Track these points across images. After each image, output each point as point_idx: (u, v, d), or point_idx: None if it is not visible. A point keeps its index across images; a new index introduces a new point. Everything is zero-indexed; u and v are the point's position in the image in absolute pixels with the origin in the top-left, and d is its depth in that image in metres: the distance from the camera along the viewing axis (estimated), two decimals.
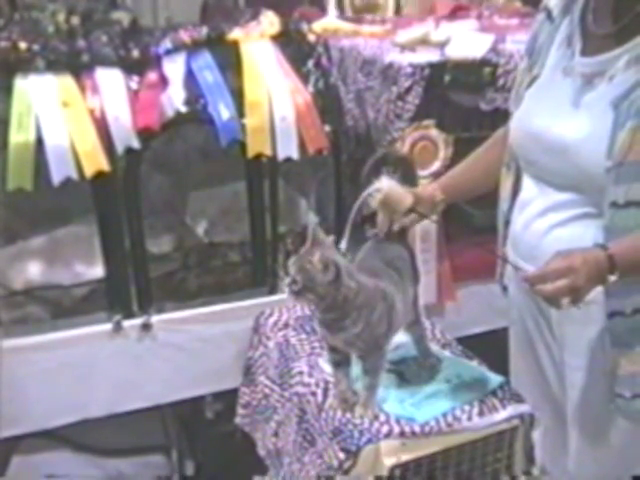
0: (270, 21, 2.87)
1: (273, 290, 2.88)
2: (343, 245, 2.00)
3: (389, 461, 1.85)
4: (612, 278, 1.71)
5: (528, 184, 2.07)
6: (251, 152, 2.66)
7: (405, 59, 2.82)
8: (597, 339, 1.94)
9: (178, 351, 2.79)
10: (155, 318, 2.74)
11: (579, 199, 1.90)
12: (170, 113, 2.63)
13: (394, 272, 2.00)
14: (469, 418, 1.95)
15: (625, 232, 1.78)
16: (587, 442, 2.07)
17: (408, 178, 2.19)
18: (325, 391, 2.03)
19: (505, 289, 2.32)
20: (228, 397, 2.70)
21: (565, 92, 1.91)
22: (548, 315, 2.09)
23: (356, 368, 1.99)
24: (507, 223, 2.18)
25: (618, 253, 1.71)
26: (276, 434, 2.27)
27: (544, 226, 1.98)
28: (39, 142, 2.46)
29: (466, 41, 2.94)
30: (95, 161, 2.50)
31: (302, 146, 2.72)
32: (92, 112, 2.57)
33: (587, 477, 2.13)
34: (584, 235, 1.86)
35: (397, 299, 1.94)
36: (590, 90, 1.87)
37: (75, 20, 2.76)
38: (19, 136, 2.46)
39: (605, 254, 1.71)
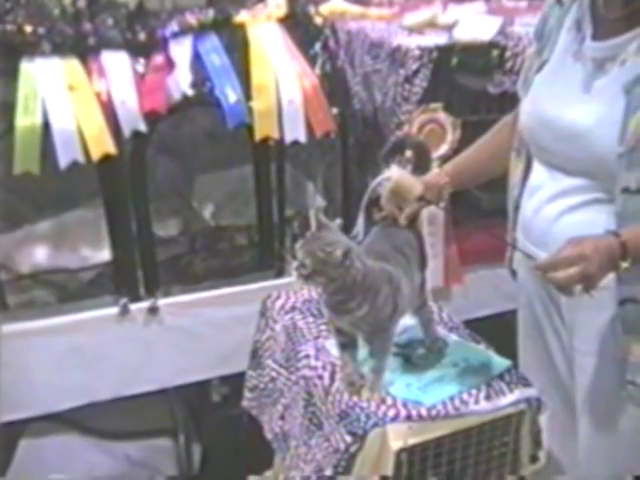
0: (277, 4, 2.86)
1: (280, 273, 2.89)
2: (360, 234, 1.99)
3: (396, 445, 1.85)
4: (624, 265, 1.70)
5: (538, 169, 2.06)
6: (258, 135, 2.66)
7: (413, 42, 2.81)
8: (608, 325, 1.94)
9: (185, 335, 2.80)
10: (162, 302, 2.75)
11: (590, 184, 1.89)
12: (177, 96, 2.63)
13: (401, 257, 1.99)
14: (476, 402, 1.94)
15: (637, 218, 1.77)
16: (597, 429, 2.07)
17: (423, 164, 2.18)
18: (332, 374, 2.02)
19: (514, 274, 2.31)
20: (235, 380, 2.70)
21: (576, 77, 1.90)
22: (558, 301, 2.08)
23: (363, 351, 1.99)
24: (517, 208, 2.17)
25: (630, 240, 1.70)
26: (283, 417, 2.27)
27: (555, 211, 1.97)
28: (45, 126, 2.47)
29: (474, 24, 2.93)
30: (102, 144, 2.50)
31: (309, 129, 2.72)
32: (98, 95, 2.57)
33: (597, 464, 2.12)
34: (595, 221, 1.85)
35: (403, 283, 1.93)
36: (601, 75, 1.85)
37: (81, 3, 2.75)
38: (25, 120, 2.46)
39: (617, 241, 1.69)
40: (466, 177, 2.26)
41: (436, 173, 2.21)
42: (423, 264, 2.11)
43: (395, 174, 2.03)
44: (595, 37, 1.89)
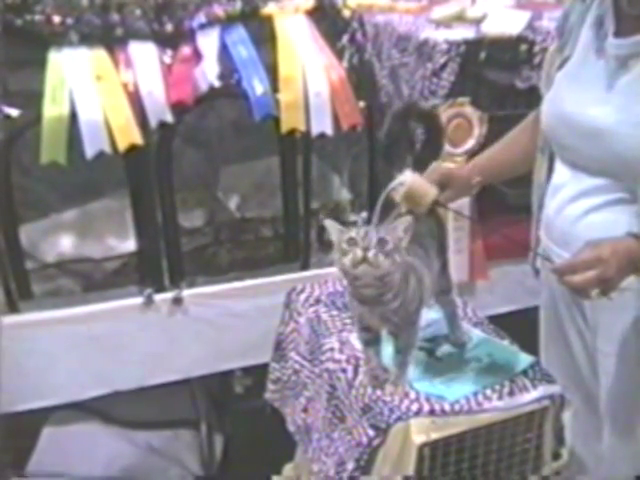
0: None
1: (305, 266, 2.89)
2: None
3: (419, 439, 1.85)
4: None
5: (561, 169, 2.03)
6: (285, 127, 2.66)
7: (440, 35, 2.80)
8: (632, 326, 1.91)
9: (209, 325, 2.80)
10: (186, 292, 2.76)
11: (612, 184, 1.85)
12: (204, 87, 2.63)
13: (418, 247, 1.98)
14: (499, 397, 1.94)
15: None
16: (620, 431, 2.05)
17: (434, 135, 2.15)
18: (356, 368, 2.02)
19: (537, 272, 2.29)
20: (257, 372, 2.70)
21: (598, 74, 1.86)
22: (581, 301, 2.06)
23: (387, 345, 1.99)
24: (541, 208, 2.14)
25: None
26: (306, 410, 2.27)
27: (577, 211, 1.93)
28: (73, 116, 2.48)
29: (502, 18, 2.91)
30: (128, 135, 2.51)
31: (336, 122, 2.72)
32: (125, 86, 2.58)
33: (620, 465, 2.10)
34: (618, 221, 1.82)
35: (425, 273, 1.93)
36: (624, 72, 1.81)
37: None
38: (53, 110, 2.47)
39: (637, 243, 1.67)
40: (496, 172, 2.24)
41: (467, 168, 2.19)
42: (442, 248, 2.10)
43: (409, 179, 2.00)
44: (618, 34, 1.83)
